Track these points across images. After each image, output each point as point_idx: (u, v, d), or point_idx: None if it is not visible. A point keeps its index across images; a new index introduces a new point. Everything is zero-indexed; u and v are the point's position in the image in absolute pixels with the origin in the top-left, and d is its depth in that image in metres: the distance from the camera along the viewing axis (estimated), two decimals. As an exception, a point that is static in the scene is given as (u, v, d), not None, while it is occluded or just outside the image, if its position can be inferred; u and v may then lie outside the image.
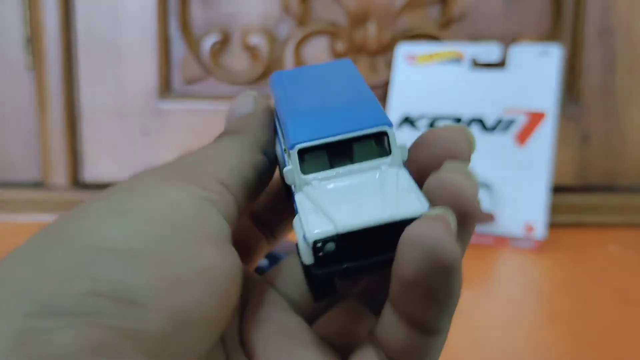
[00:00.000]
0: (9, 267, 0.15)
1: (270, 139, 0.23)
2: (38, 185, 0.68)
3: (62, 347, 0.14)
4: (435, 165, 0.19)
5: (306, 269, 0.18)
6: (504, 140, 0.62)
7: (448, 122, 0.64)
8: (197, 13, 0.68)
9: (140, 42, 0.67)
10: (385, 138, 0.19)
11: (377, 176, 0.18)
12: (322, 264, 0.17)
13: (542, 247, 0.59)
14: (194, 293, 0.17)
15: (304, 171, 0.19)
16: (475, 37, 0.68)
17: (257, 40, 0.68)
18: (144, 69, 0.67)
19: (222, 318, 0.18)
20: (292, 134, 0.19)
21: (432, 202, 0.18)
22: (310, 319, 0.22)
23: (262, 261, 0.29)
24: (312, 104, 0.20)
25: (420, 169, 0.20)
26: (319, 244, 0.17)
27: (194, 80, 0.69)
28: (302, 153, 0.19)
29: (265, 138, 0.22)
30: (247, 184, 0.21)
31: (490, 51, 0.64)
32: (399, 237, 0.17)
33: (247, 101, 0.24)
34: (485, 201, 0.60)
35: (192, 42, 0.68)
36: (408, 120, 0.64)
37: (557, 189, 0.64)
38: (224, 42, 0.68)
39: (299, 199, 0.19)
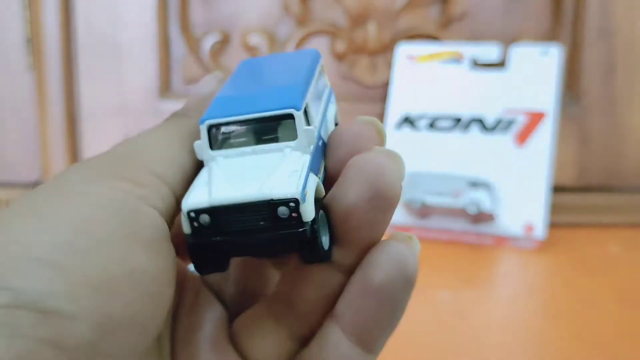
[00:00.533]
0: None
1: None
2: (38, 185, 0.68)
3: None
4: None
5: (185, 238, 0.18)
6: (504, 140, 0.62)
7: (449, 122, 0.64)
8: (197, 13, 0.68)
9: (140, 42, 0.67)
10: (293, 122, 0.19)
11: (275, 158, 0.19)
12: (197, 235, 0.18)
13: (542, 247, 0.59)
14: (122, 298, 0.16)
15: (212, 147, 0.19)
16: (475, 37, 0.68)
17: (257, 40, 0.68)
18: (144, 69, 0.67)
19: (154, 320, 0.17)
20: (207, 111, 0.20)
21: (349, 178, 0.18)
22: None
23: None
24: (243, 88, 0.21)
25: (335, 169, 0.20)
26: (192, 214, 0.18)
27: (194, 80, 0.69)
28: (212, 129, 0.19)
29: None
30: (186, 173, 0.20)
31: (490, 51, 0.64)
32: (272, 219, 0.17)
33: (210, 82, 0.24)
34: (485, 201, 0.60)
35: (192, 42, 0.68)
36: (408, 120, 0.64)
37: (557, 189, 0.64)
38: (224, 42, 0.68)
39: (201, 172, 0.19)
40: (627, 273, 0.53)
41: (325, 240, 0.19)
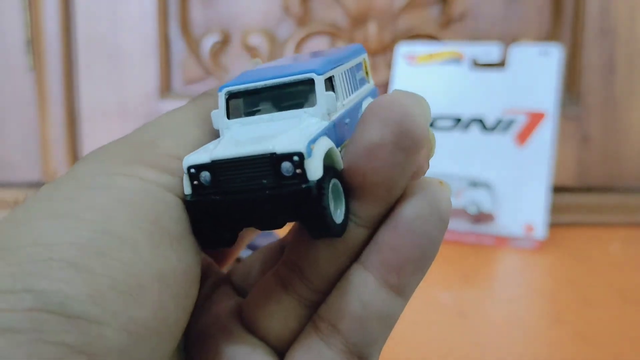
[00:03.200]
0: None
1: None
2: (38, 185, 0.68)
3: None
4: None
5: (185, 204, 0.17)
6: (504, 140, 0.62)
7: (449, 122, 0.64)
8: (197, 13, 0.68)
9: (140, 43, 0.67)
10: (313, 87, 0.18)
11: (290, 123, 0.18)
12: (197, 195, 0.17)
13: (542, 247, 0.59)
14: (151, 301, 0.15)
15: (229, 116, 0.19)
16: (475, 37, 0.68)
17: (257, 40, 0.68)
18: (144, 69, 0.67)
19: (182, 320, 0.17)
20: (229, 82, 0.19)
21: (372, 117, 0.17)
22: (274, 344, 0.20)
23: (244, 251, 0.28)
24: (272, 67, 0.20)
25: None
26: (193, 171, 0.17)
27: (194, 81, 0.69)
28: (230, 99, 0.19)
29: None
30: None
31: (490, 51, 0.64)
32: (275, 177, 0.16)
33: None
34: (485, 201, 0.60)
35: (192, 42, 0.68)
36: (408, 121, 0.64)
37: (557, 189, 0.64)
38: (224, 42, 0.68)
39: (214, 140, 0.18)
40: (627, 273, 0.53)
41: (337, 213, 0.17)
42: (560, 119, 0.64)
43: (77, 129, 0.67)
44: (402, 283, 0.18)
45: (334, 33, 0.68)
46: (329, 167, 0.17)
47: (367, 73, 0.23)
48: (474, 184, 0.60)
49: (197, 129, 0.19)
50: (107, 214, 0.15)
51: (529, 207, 0.59)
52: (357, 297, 0.18)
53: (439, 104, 0.64)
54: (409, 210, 0.17)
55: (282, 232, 0.22)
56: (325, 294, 0.19)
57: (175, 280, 0.16)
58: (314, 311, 0.19)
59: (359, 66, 0.22)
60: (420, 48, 0.66)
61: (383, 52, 0.68)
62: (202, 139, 0.19)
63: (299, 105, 0.18)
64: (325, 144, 0.17)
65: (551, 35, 0.67)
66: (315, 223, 0.17)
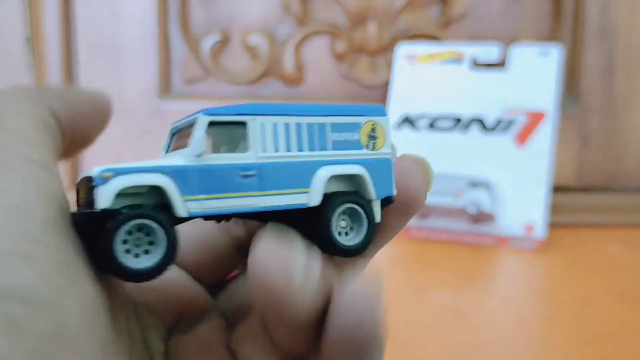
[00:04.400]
0: None
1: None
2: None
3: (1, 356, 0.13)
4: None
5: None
6: (504, 140, 0.62)
7: (449, 122, 0.64)
8: (197, 13, 0.68)
9: (140, 42, 0.67)
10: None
11: (171, 157, 0.19)
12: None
13: (542, 247, 0.59)
14: (90, 276, 0.16)
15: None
16: (475, 37, 0.68)
17: (257, 40, 0.68)
18: (144, 69, 0.67)
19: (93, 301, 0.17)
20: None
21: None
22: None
23: None
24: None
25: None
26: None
27: (194, 80, 0.69)
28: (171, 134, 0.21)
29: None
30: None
31: (490, 51, 0.64)
32: (89, 199, 0.17)
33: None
34: (485, 201, 0.60)
35: (192, 42, 0.68)
36: (408, 120, 0.64)
37: (557, 189, 0.64)
38: (224, 42, 0.68)
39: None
40: (627, 273, 0.53)
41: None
42: (560, 118, 0.64)
43: (76, 128, 0.67)
44: None
45: (333, 33, 0.68)
46: (153, 206, 0.17)
47: (370, 138, 0.21)
48: (474, 184, 0.60)
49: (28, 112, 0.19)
50: (18, 200, 0.15)
51: (529, 207, 0.59)
52: None
53: (439, 104, 0.64)
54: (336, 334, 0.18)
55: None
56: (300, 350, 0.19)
57: (72, 257, 0.17)
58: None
59: (345, 126, 0.21)
60: (421, 48, 0.66)
61: (383, 52, 0.68)
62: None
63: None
64: (124, 181, 0.17)
65: (551, 35, 0.67)
66: (99, 254, 0.17)
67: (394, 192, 0.21)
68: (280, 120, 0.20)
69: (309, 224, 0.20)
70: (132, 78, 0.67)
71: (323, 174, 0.20)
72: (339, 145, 0.21)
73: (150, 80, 0.67)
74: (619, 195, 0.67)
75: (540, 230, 0.58)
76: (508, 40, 0.67)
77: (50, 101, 0.19)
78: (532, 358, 0.40)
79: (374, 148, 0.21)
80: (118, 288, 0.19)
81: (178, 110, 0.68)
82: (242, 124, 0.19)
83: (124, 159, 0.67)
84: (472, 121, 0.63)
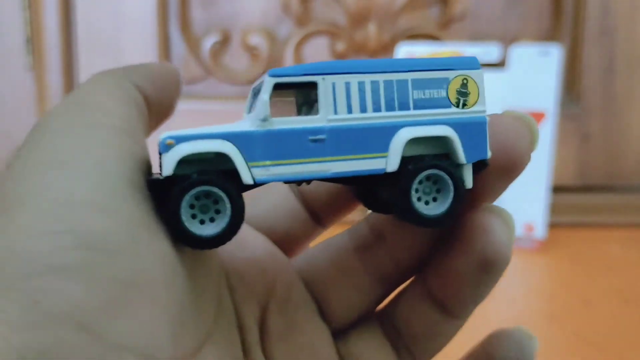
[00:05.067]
0: None
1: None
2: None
3: (77, 302, 0.14)
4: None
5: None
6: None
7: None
8: (197, 13, 0.68)
9: (140, 42, 0.67)
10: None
11: (238, 122, 0.19)
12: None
13: (542, 247, 0.59)
14: (161, 233, 0.16)
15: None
16: (475, 37, 0.68)
17: (257, 40, 0.68)
18: (144, 69, 0.67)
19: (185, 259, 0.17)
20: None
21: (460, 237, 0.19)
22: (338, 327, 0.22)
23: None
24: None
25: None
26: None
27: (194, 80, 0.69)
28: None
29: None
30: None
31: (490, 51, 0.64)
32: None
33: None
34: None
35: (192, 42, 0.68)
36: (408, 120, 0.64)
37: (557, 189, 0.64)
38: (224, 42, 0.68)
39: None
40: (627, 273, 0.53)
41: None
42: (560, 118, 0.64)
43: (77, 128, 0.67)
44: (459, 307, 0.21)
45: (333, 33, 0.68)
46: (221, 172, 0.17)
47: (460, 94, 0.19)
48: (474, 184, 0.61)
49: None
50: (99, 158, 0.16)
51: (529, 207, 0.59)
52: (420, 319, 0.21)
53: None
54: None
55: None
56: (404, 273, 0.21)
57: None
58: (388, 290, 0.21)
59: (430, 82, 0.19)
60: (420, 48, 0.66)
61: (383, 52, 0.68)
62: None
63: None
64: (186, 148, 0.17)
65: (551, 35, 0.67)
66: (167, 218, 0.17)
67: (489, 155, 0.19)
68: (354, 78, 0.18)
69: (389, 188, 0.19)
70: (132, 78, 0.67)
71: (402, 137, 0.18)
72: (423, 104, 0.19)
73: (150, 80, 0.67)
74: (619, 195, 0.67)
75: (540, 230, 0.58)
76: (508, 40, 0.67)
77: (135, 78, 0.20)
78: (532, 358, 0.40)
79: (464, 106, 0.19)
80: (205, 252, 0.19)
81: (178, 110, 0.67)
82: (313, 84, 0.18)
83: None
84: (472, 121, 0.63)
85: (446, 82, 0.19)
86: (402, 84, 0.18)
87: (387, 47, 0.68)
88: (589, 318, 0.45)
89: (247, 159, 0.17)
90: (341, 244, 0.22)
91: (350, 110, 0.18)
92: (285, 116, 0.18)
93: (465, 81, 0.19)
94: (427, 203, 0.19)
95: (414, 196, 0.18)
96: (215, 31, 0.68)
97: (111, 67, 0.20)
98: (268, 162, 0.17)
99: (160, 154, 0.17)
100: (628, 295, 0.49)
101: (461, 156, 0.19)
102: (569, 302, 0.48)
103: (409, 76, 0.19)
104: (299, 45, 0.68)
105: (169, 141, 0.17)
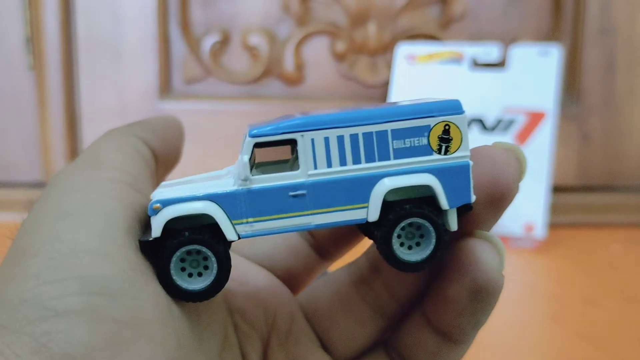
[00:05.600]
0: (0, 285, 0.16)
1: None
2: (38, 185, 0.68)
3: (81, 343, 0.15)
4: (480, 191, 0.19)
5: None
6: (504, 140, 0.61)
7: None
8: (197, 13, 0.68)
9: (140, 42, 0.67)
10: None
11: (221, 180, 0.20)
12: None
13: (542, 247, 0.59)
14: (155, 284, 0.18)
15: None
16: (475, 37, 0.68)
17: (257, 40, 0.68)
18: (144, 69, 0.67)
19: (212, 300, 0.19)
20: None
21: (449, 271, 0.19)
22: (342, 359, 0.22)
23: None
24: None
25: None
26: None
27: (194, 80, 0.69)
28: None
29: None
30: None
31: (490, 51, 0.64)
32: None
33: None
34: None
35: (192, 42, 0.68)
36: (408, 120, 0.64)
37: (557, 189, 0.63)
38: (224, 42, 0.68)
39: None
40: (627, 272, 0.53)
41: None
42: (560, 118, 0.64)
43: (77, 128, 0.67)
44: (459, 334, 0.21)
45: (333, 33, 0.68)
46: (201, 228, 0.18)
47: (442, 140, 0.19)
48: (474, 183, 0.60)
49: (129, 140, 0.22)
50: (102, 210, 0.18)
51: (529, 207, 0.59)
52: (423, 347, 0.21)
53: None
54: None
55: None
56: (402, 305, 0.22)
57: None
58: (390, 321, 0.22)
59: (410, 131, 0.19)
60: (421, 48, 0.66)
61: (383, 52, 0.68)
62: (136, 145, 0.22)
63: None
64: (171, 212, 0.18)
65: (551, 35, 0.67)
66: (159, 271, 0.18)
67: (473, 199, 0.19)
68: (333, 133, 0.18)
69: (372, 234, 0.19)
70: (132, 78, 0.67)
71: (382, 187, 0.18)
72: (403, 153, 0.19)
73: (150, 80, 0.67)
74: (620, 194, 0.67)
75: (540, 230, 0.58)
76: (508, 40, 0.67)
77: (142, 133, 0.22)
78: (532, 358, 0.40)
79: (447, 152, 0.19)
80: None
81: (178, 110, 0.67)
82: (292, 141, 0.18)
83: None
84: (472, 121, 0.63)
85: (427, 129, 0.19)
86: (382, 134, 0.18)
87: (387, 47, 0.68)
88: (590, 318, 0.45)
89: (231, 217, 0.18)
90: (341, 278, 0.23)
91: (330, 164, 0.18)
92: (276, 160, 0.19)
93: (447, 127, 0.19)
94: (410, 248, 0.19)
95: (396, 242, 0.19)
96: (215, 31, 0.68)
97: (121, 125, 0.22)
98: (251, 219, 0.18)
99: (149, 215, 0.18)
100: (629, 295, 0.49)
101: (444, 202, 0.19)
102: (569, 302, 0.48)
103: (389, 127, 0.18)
104: (299, 45, 0.68)
105: (155, 206, 0.18)
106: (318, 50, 0.68)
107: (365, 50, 0.68)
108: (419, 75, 0.65)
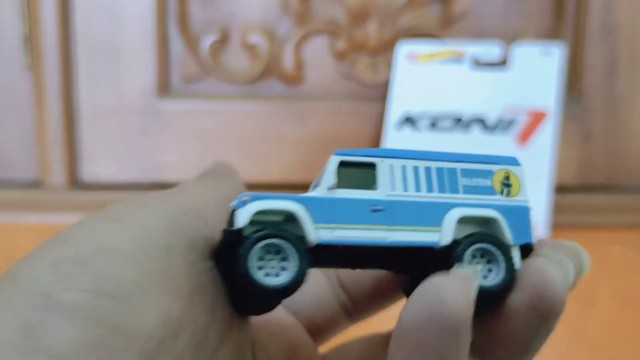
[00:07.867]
0: (22, 265, 0.16)
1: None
2: (36, 184, 0.68)
3: (70, 341, 0.15)
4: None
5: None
6: (506, 140, 0.61)
7: (449, 122, 0.63)
8: (196, 12, 0.68)
9: (139, 41, 0.66)
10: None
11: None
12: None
13: (543, 248, 0.58)
14: (182, 300, 0.17)
15: None
16: (476, 35, 0.67)
17: (256, 39, 0.67)
18: (143, 68, 0.67)
19: (214, 325, 0.19)
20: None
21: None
22: None
23: None
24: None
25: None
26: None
27: (193, 80, 0.68)
28: None
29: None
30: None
31: (491, 50, 0.63)
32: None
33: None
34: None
35: (191, 40, 0.68)
36: (409, 120, 0.64)
37: (559, 189, 0.63)
38: (223, 41, 0.68)
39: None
40: (629, 274, 0.53)
41: (263, 273, 0.19)
42: (562, 118, 0.63)
43: (74, 127, 0.67)
44: None
45: (333, 31, 0.68)
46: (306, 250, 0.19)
47: (503, 185, 0.22)
48: (475, 183, 0.60)
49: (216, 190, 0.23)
50: (147, 223, 0.18)
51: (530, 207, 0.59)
52: None
53: (440, 103, 0.64)
54: (404, 317, 0.17)
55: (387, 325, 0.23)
56: None
57: (205, 288, 0.19)
58: None
59: (476, 173, 0.21)
60: (421, 47, 0.66)
61: (383, 50, 0.68)
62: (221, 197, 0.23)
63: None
64: (260, 204, 0.19)
65: (553, 33, 0.67)
66: (234, 268, 0.18)
67: (534, 240, 0.21)
68: (409, 163, 0.20)
69: (438, 269, 0.19)
70: (131, 77, 0.67)
71: (455, 213, 0.20)
72: (470, 190, 0.21)
73: (148, 79, 0.67)
74: (622, 195, 0.66)
75: (542, 230, 0.58)
76: (509, 39, 0.66)
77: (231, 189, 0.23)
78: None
79: (508, 195, 0.22)
80: (238, 323, 0.20)
81: (177, 109, 0.67)
82: (372, 165, 0.20)
83: (122, 159, 0.67)
84: (473, 121, 0.62)
85: (490, 173, 0.21)
86: (452, 171, 0.21)
87: (388, 46, 0.67)
88: (590, 319, 0.44)
89: (314, 219, 0.19)
90: (374, 337, 0.23)
91: (406, 189, 0.20)
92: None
93: (507, 175, 0.22)
94: (484, 277, 0.20)
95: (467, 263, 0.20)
96: (214, 30, 0.67)
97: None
98: (332, 225, 0.19)
99: (234, 209, 0.19)
100: (630, 296, 0.48)
101: (508, 237, 0.20)
102: (570, 303, 0.47)
103: (458, 166, 0.21)
104: (299, 44, 0.68)
105: (244, 198, 0.19)
106: (318, 49, 0.68)
107: (365, 49, 0.68)
108: (420, 74, 0.65)
